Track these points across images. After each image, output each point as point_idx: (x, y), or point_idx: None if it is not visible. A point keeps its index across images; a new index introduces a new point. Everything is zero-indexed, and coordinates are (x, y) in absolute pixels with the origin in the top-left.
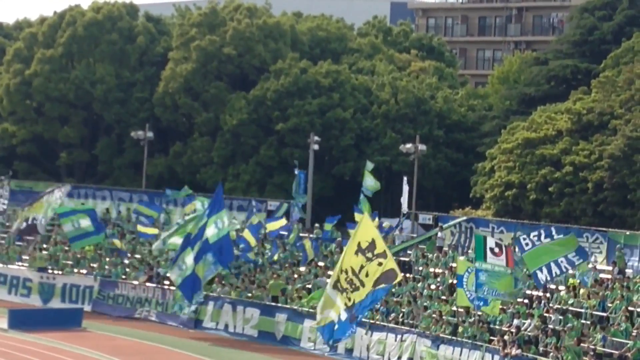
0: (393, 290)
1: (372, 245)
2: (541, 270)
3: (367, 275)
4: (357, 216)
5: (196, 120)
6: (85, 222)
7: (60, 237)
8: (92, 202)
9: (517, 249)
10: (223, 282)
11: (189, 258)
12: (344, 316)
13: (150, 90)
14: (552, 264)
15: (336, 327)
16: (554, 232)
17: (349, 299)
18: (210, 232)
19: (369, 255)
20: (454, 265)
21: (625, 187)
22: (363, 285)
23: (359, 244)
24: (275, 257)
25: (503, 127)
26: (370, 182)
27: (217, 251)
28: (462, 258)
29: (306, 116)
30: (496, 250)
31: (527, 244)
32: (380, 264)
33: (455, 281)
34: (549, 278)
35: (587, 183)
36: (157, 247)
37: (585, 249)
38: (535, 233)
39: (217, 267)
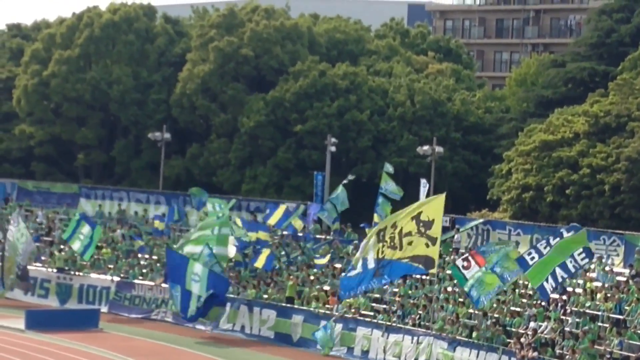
0: (410, 292)
1: (430, 224)
2: (547, 281)
3: (410, 243)
4: (377, 217)
5: (214, 122)
6: (86, 228)
7: None
8: (109, 203)
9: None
10: (240, 283)
11: (198, 268)
12: (370, 264)
13: (168, 92)
14: (558, 269)
15: (358, 271)
16: (564, 233)
17: (382, 252)
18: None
19: (422, 230)
20: None
21: None
22: (401, 248)
23: (419, 213)
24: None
25: (520, 130)
26: (393, 186)
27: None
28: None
29: (324, 118)
30: (465, 264)
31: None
32: (427, 245)
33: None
34: (554, 286)
35: (604, 185)
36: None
37: (597, 249)
38: (543, 242)
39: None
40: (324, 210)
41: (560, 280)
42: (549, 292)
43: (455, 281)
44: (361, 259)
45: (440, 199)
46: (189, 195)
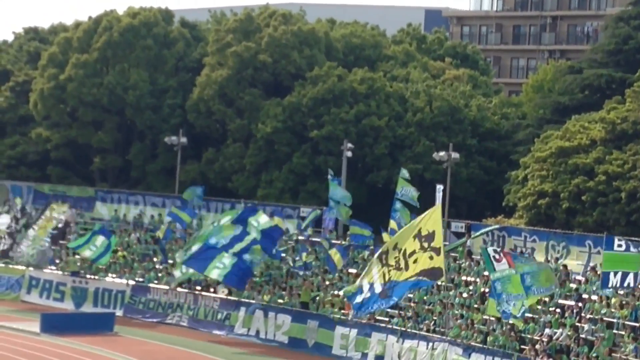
0: (425, 297)
1: (432, 237)
2: (615, 275)
3: (415, 261)
4: (393, 223)
5: (230, 127)
6: (100, 239)
7: None
8: (125, 207)
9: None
10: (254, 287)
11: (227, 259)
12: (377, 289)
13: (184, 97)
14: (632, 275)
15: (365, 296)
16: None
17: (387, 276)
18: (253, 231)
19: (425, 245)
20: (486, 273)
21: None
22: (407, 268)
23: (419, 230)
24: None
25: (537, 136)
26: (413, 193)
27: (264, 241)
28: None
29: (341, 124)
30: (496, 256)
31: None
32: (431, 257)
33: (487, 289)
34: (618, 285)
35: (620, 192)
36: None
37: None
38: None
39: (264, 256)
40: (331, 209)
41: (625, 285)
42: (609, 285)
43: (470, 287)
44: (368, 284)
45: (437, 210)
46: (205, 200)
